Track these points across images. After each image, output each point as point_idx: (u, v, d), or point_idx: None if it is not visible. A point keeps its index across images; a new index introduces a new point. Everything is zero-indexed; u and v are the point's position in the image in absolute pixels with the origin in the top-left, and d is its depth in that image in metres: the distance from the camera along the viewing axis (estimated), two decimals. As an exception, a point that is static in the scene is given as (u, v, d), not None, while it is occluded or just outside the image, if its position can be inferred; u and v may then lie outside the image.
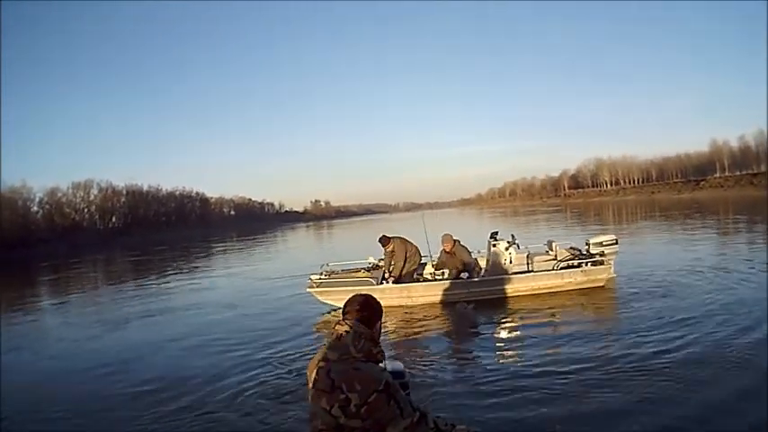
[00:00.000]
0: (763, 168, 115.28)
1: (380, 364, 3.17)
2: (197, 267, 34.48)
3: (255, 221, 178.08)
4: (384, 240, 13.19)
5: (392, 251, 13.07)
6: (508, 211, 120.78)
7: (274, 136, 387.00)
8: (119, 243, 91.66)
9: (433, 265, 13.82)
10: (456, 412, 6.10)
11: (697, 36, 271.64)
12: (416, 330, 10.75)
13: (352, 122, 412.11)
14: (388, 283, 12.85)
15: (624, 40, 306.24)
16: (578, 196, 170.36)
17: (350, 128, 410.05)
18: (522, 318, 10.97)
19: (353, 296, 3.37)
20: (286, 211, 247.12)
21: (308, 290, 13.32)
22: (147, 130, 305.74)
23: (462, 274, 12.77)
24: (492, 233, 13.45)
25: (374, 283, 12.74)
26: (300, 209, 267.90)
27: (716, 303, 10.47)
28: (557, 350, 8.33)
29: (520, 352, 8.59)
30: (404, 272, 12.99)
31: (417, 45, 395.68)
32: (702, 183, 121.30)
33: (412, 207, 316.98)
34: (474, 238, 15.30)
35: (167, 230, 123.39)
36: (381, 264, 13.48)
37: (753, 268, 14.23)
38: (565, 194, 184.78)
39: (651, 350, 7.85)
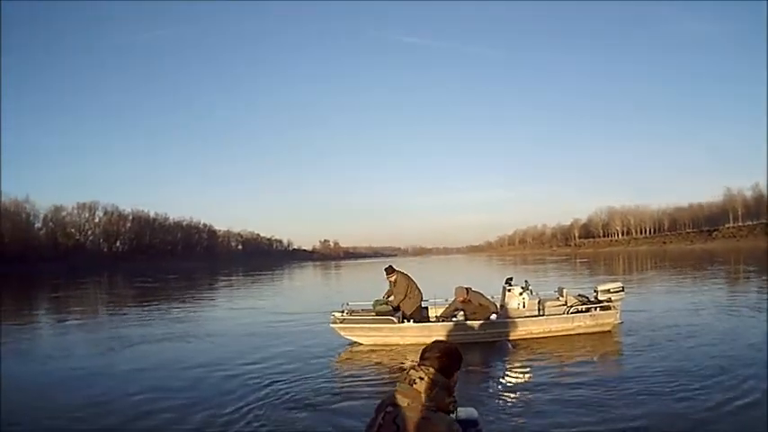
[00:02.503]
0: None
1: (452, 415, 3.21)
2: (212, 298, 35.96)
3: (263, 257, 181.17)
4: (389, 270, 14.56)
5: (395, 281, 14.44)
6: (517, 259, 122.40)
7: (286, 173, 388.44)
8: (122, 268, 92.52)
9: (443, 312, 14.94)
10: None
11: (707, 83, 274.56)
12: None
13: (364, 165, 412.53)
14: (409, 322, 14.03)
15: (636, 87, 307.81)
16: (589, 246, 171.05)
17: (362, 171, 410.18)
18: (537, 359, 12.12)
19: (435, 342, 3.48)
20: (294, 249, 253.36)
21: (331, 325, 14.40)
22: (154, 155, 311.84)
23: (492, 316, 14.04)
24: (507, 279, 14.86)
25: (395, 321, 13.93)
26: (309, 248, 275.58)
27: (714, 356, 11.40)
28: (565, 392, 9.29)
29: (534, 392, 9.62)
30: (404, 306, 14.27)
31: (433, 90, 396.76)
32: (715, 233, 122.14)
33: (421, 252, 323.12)
34: (481, 285, 16.15)
35: (172, 260, 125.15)
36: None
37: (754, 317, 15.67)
38: (575, 244, 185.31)
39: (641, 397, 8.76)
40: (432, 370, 3.21)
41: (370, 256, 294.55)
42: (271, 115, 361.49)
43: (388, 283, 14.76)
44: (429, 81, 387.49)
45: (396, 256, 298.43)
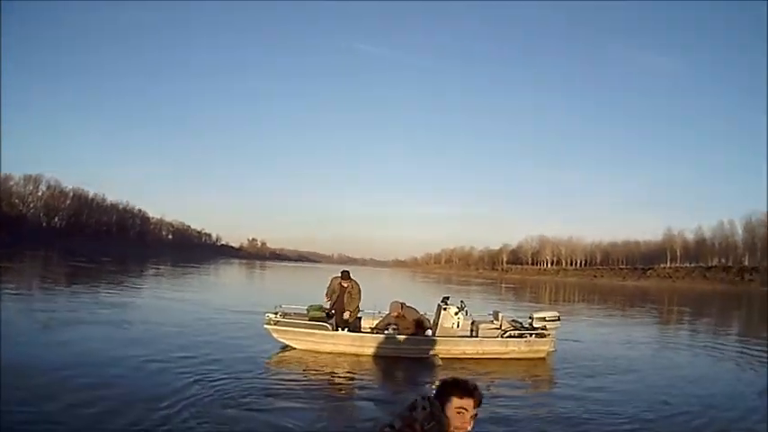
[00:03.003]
0: (716, 262, 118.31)
1: None
2: (145, 286, 35.89)
3: (191, 250, 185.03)
4: (345, 275, 14.59)
5: (353, 287, 14.53)
6: (441, 278, 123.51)
7: (221, 166, 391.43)
8: (58, 245, 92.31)
9: (377, 325, 14.90)
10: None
11: (660, 122, 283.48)
12: (367, 378, 12.06)
13: (297, 168, 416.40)
14: (342, 330, 14.03)
15: (582, 120, 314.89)
16: (516, 272, 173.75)
17: (294, 172, 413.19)
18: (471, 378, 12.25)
19: (451, 380, 3.42)
20: (222, 245, 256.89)
21: (265, 326, 14.26)
22: (101, 135, 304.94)
23: (428, 332, 14.19)
24: (443, 298, 15.03)
25: (330, 328, 13.94)
26: (236, 244, 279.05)
27: (640, 387, 11.98)
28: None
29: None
30: (352, 314, 14.36)
31: (377, 98, 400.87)
32: (650, 271, 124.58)
33: (346, 260, 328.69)
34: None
35: (106, 242, 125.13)
36: (327, 306, 14.60)
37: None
38: (503, 269, 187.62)
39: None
40: (433, 399, 3.18)
41: (295, 260, 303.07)
42: (219, 109, 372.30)
43: (329, 287, 14.73)
44: (381, 89, 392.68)
45: (321, 262, 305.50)
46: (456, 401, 3.26)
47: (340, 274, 14.82)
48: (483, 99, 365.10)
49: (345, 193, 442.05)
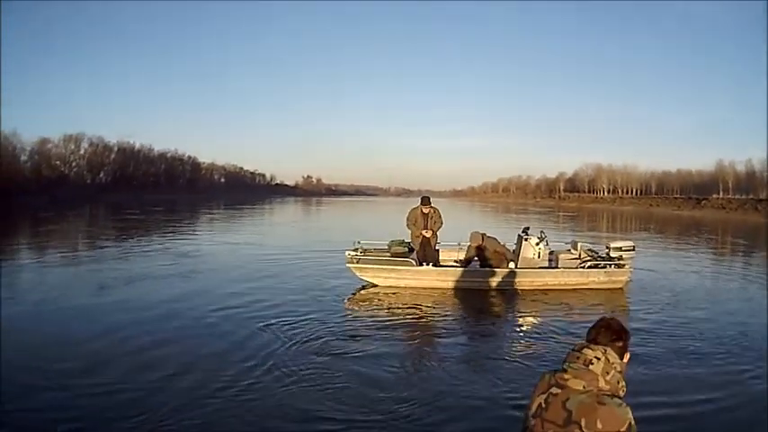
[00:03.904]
0: (765, 195, 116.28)
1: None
2: (203, 231, 36.27)
3: (245, 191, 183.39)
4: (426, 200, 15.02)
5: (434, 212, 15.07)
6: (500, 207, 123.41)
7: (273, 107, 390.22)
8: (105, 200, 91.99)
9: (461, 259, 15.50)
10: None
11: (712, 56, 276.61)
12: (447, 314, 12.54)
13: (350, 103, 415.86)
14: (428, 265, 14.62)
15: (635, 50, 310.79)
16: (573, 200, 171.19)
17: (347, 109, 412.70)
18: (548, 312, 12.86)
19: (605, 320, 3.25)
20: (277, 184, 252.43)
21: (347, 265, 14.91)
22: (144, 87, 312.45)
23: (510, 264, 14.76)
24: (524, 228, 15.60)
25: (414, 264, 14.58)
26: (292, 183, 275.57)
27: (715, 317, 12.51)
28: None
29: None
30: (430, 241, 14.96)
31: (424, 34, 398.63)
32: (704, 201, 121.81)
33: (403, 193, 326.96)
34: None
35: (154, 192, 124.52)
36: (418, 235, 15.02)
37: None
38: (560, 197, 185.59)
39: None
40: (610, 350, 3.00)
41: (351, 194, 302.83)
42: (257, 50, 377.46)
43: (410, 217, 15.12)
44: (427, 28, 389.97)
45: (377, 195, 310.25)
46: (626, 357, 3.19)
47: (420, 202, 15.10)
48: (539, 33, 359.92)
49: (400, 128, 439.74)
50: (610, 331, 3.14)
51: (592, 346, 3.02)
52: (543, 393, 2.99)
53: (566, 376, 2.93)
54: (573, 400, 2.84)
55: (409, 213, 15.16)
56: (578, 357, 2.97)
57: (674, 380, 8.08)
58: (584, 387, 2.85)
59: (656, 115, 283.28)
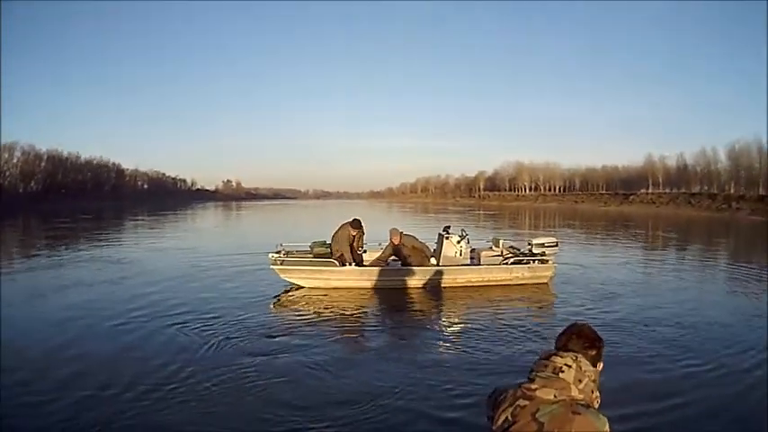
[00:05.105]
0: (698, 190, 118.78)
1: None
2: (130, 238, 35.73)
3: (167, 197, 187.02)
4: (357, 224, 15.05)
5: (361, 236, 15.33)
6: (418, 207, 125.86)
7: (191, 109, 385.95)
8: (36, 209, 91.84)
9: (379, 257, 15.57)
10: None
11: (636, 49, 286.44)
12: (374, 312, 12.86)
13: (268, 103, 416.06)
14: (351, 265, 14.76)
15: (555, 47, 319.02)
16: (494, 199, 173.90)
17: (266, 109, 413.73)
18: (473, 307, 13.17)
19: (577, 326, 3.16)
20: (198, 189, 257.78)
21: (271, 266, 14.98)
22: (66, 95, 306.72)
23: (432, 260, 15.10)
24: (444, 227, 15.79)
25: (337, 264, 14.67)
26: (212, 187, 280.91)
27: (641, 309, 12.87)
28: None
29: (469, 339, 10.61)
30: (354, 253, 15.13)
31: (349, 34, 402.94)
32: (632, 197, 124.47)
33: (322, 195, 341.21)
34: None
35: (82, 199, 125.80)
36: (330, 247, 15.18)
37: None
38: (480, 196, 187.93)
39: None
40: (581, 357, 2.90)
41: (271, 198, 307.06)
42: (181, 56, 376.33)
43: (339, 236, 15.07)
44: (346, 24, 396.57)
45: (296, 198, 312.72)
46: (600, 366, 3.10)
47: (351, 222, 15.15)
48: (459, 30, 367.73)
49: (318, 129, 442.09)
50: (582, 338, 3.06)
51: (561, 353, 2.93)
52: (510, 406, 2.84)
53: (533, 386, 2.80)
54: (543, 410, 2.72)
55: (339, 230, 15.17)
56: (546, 365, 2.87)
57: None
58: (554, 396, 2.74)
59: (577, 112, 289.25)
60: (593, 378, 2.84)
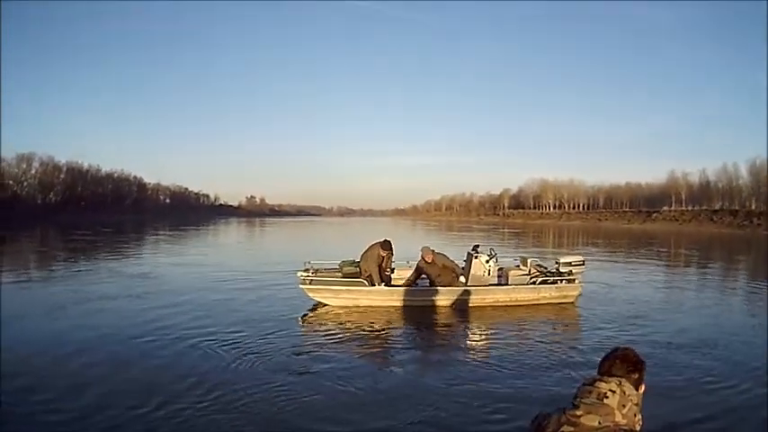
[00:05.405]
0: (720, 206, 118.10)
1: None
2: (152, 253, 36.78)
3: (190, 212, 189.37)
4: (387, 245, 15.18)
5: (390, 257, 15.44)
6: (442, 225, 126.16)
7: (216, 126, 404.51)
8: (54, 220, 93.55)
9: (409, 277, 15.93)
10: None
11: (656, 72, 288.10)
12: (402, 331, 13.18)
13: (292, 120, 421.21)
14: (380, 285, 14.98)
15: (580, 64, 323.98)
16: (518, 216, 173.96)
17: (290, 126, 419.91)
18: (501, 327, 13.39)
19: (620, 351, 3.15)
20: (220, 205, 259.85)
21: (300, 286, 15.21)
22: (88, 107, 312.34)
23: (461, 278, 15.28)
24: (474, 246, 16.07)
25: (366, 284, 14.92)
26: (235, 203, 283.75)
27: (668, 331, 13.01)
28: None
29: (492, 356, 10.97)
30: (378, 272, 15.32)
31: (370, 52, 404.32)
32: (655, 214, 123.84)
33: (346, 212, 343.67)
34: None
35: (102, 212, 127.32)
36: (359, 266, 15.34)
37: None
38: (504, 213, 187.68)
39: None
40: (625, 382, 2.91)
41: (294, 215, 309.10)
42: (209, 70, 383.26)
43: (369, 256, 15.21)
44: (367, 43, 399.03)
45: (320, 215, 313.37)
46: (642, 389, 3.10)
47: (381, 243, 15.24)
48: (479, 48, 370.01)
49: (342, 146, 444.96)
50: (626, 363, 3.05)
51: (605, 378, 2.93)
52: (554, 430, 2.87)
53: (578, 413, 2.82)
54: None
55: (369, 249, 15.32)
56: (591, 391, 2.86)
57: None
58: (599, 423, 2.75)
59: (601, 129, 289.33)
60: (635, 402, 2.86)
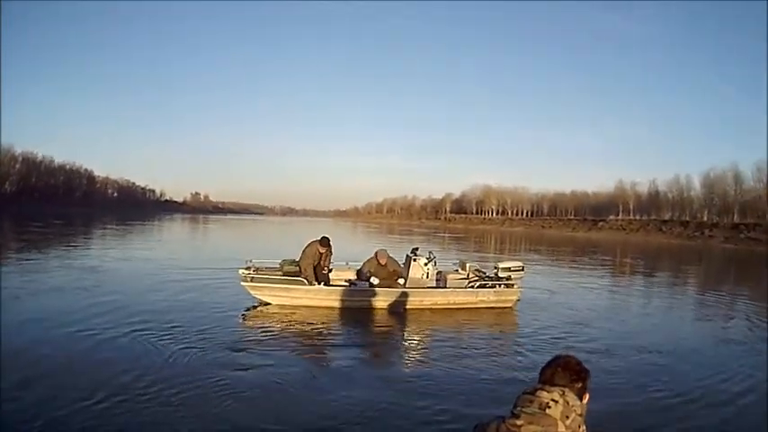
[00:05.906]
0: (670, 217, 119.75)
1: None
2: (100, 247, 36.31)
3: (136, 207, 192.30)
4: (326, 242, 15.30)
5: (328, 254, 15.57)
6: (383, 227, 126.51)
7: (165, 119, 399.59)
8: (10, 211, 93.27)
9: (360, 273, 16.08)
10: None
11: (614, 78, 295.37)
12: (340, 330, 13.09)
13: (237, 119, 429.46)
14: (319, 285, 15.01)
15: (527, 69, 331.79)
16: (460, 221, 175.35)
17: (236, 125, 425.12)
18: (438, 329, 13.51)
19: (562, 359, 3.08)
20: (166, 200, 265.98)
21: (242, 283, 15.13)
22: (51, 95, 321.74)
23: (399, 280, 15.30)
24: (413, 249, 16.11)
25: (306, 283, 14.88)
26: (180, 199, 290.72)
27: (609, 338, 13.21)
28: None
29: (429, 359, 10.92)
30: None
31: (316, 53, 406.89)
32: (602, 223, 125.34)
33: (288, 212, 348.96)
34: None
35: (53, 204, 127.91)
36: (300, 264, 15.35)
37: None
38: (446, 218, 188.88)
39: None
40: (568, 391, 2.84)
41: (237, 212, 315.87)
42: (162, 61, 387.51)
43: (308, 253, 15.27)
44: (316, 43, 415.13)
45: (263, 214, 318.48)
46: (586, 398, 3.03)
47: (319, 240, 15.38)
48: (433, 53, 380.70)
49: (287, 145, 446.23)
50: (568, 371, 2.98)
51: (547, 387, 2.86)
52: None
53: (518, 422, 2.75)
54: None
55: (309, 247, 15.36)
56: (532, 401, 2.80)
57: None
58: None
59: (547, 136, 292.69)
60: (579, 412, 2.80)
